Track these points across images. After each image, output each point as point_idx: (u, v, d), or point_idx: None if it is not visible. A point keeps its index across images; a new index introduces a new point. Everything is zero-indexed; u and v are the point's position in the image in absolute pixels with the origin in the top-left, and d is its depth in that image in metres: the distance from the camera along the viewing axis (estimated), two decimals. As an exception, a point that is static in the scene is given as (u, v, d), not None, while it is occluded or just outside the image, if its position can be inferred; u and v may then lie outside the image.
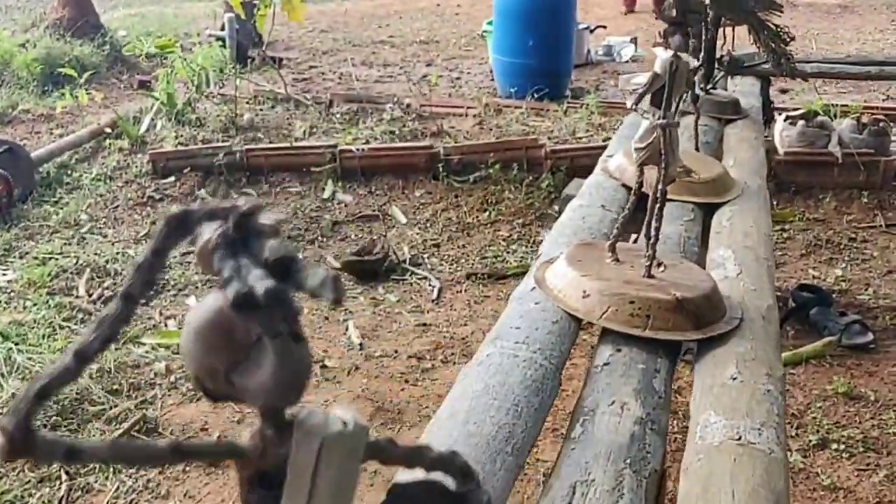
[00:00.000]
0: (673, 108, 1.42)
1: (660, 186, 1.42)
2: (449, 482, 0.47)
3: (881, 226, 4.13)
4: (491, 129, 5.17)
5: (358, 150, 4.73)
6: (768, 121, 3.87)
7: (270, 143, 5.03)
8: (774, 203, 3.85)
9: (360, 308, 3.54)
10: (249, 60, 6.54)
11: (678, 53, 1.43)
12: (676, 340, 1.35)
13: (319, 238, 4.18)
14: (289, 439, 0.38)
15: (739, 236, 1.81)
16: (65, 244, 4.08)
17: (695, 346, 1.41)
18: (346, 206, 4.48)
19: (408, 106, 5.49)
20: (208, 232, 0.35)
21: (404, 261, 3.90)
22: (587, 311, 1.36)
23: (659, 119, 1.41)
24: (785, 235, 4.03)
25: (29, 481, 2.59)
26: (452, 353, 3.20)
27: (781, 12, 2.55)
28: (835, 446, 2.69)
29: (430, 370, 3.12)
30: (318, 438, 0.38)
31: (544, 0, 5.68)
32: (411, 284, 3.74)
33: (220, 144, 4.90)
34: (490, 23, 6.17)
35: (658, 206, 1.42)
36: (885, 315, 3.40)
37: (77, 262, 3.86)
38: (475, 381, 1.14)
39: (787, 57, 2.72)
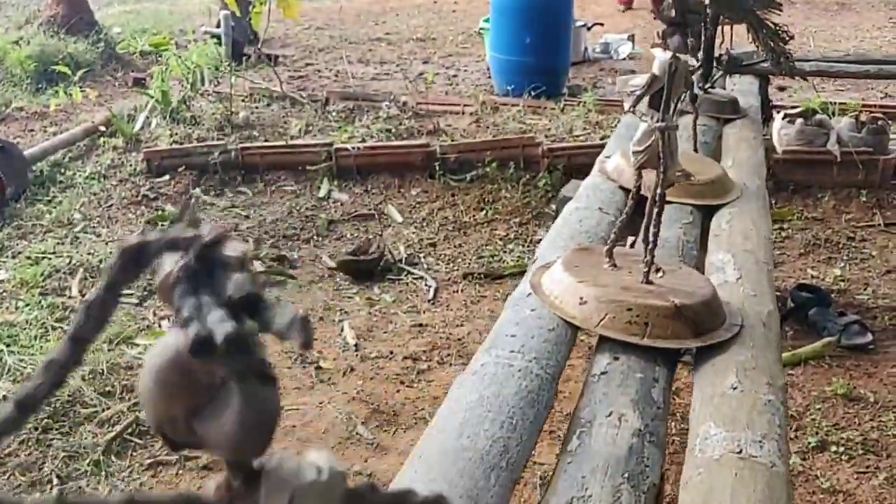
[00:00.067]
0: (671, 111, 1.39)
1: (658, 191, 1.39)
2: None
3: (880, 225, 4.11)
4: (488, 128, 5.14)
5: (354, 148, 4.70)
6: (767, 119, 3.84)
7: (266, 141, 5.00)
8: (773, 202, 3.82)
9: (356, 308, 3.52)
10: (245, 58, 6.50)
11: (677, 54, 1.41)
12: (675, 348, 1.32)
13: (315, 237, 4.15)
14: (257, 490, 0.35)
15: (739, 239, 1.78)
16: (58, 243, 4.05)
17: (693, 348, 1.38)
18: (341, 204, 4.45)
19: (404, 104, 5.45)
20: (169, 263, 0.32)
21: (400, 260, 3.87)
22: (584, 318, 1.34)
23: (657, 122, 1.38)
24: (783, 234, 4.01)
25: (20, 485, 2.56)
26: (448, 354, 3.18)
27: (780, 11, 2.53)
28: (834, 448, 2.67)
29: (425, 371, 3.09)
30: (290, 489, 0.35)
31: (541, -3, 5.65)
32: (407, 284, 3.72)
33: (215, 143, 4.86)
34: (487, 20, 6.13)
35: (657, 210, 1.40)
36: (884, 315, 3.38)
37: (70, 262, 3.83)
38: (469, 392, 1.12)
39: (786, 55, 2.69)
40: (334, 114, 5.40)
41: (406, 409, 2.89)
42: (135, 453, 2.66)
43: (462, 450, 0.99)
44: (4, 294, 3.59)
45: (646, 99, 1.42)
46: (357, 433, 2.76)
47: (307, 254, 4.00)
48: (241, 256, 0.33)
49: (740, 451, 1.03)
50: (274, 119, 5.37)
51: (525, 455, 1.04)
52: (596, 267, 1.46)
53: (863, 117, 4.44)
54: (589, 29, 6.84)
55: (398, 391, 2.97)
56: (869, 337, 3.18)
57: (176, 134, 5.08)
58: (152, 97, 5.40)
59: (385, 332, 3.34)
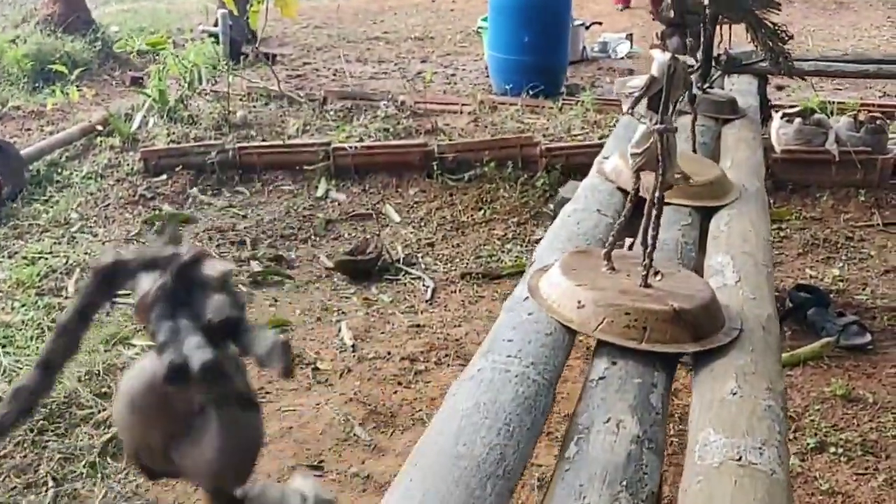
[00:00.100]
0: (670, 113, 1.37)
1: (657, 194, 1.38)
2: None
3: (878, 224, 4.10)
4: (486, 127, 5.12)
5: (351, 147, 4.68)
6: (765, 119, 3.83)
7: (263, 140, 4.99)
8: (771, 201, 3.81)
9: (353, 309, 3.50)
10: (242, 57, 6.48)
11: (676, 56, 1.39)
12: (674, 353, 1.31)
13: (312, 237, 4.14)
14: (240, 520, 0.34)
15: (738, 241, 1.77)
16: (54, 243, 4.03)
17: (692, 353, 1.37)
18: (339, 204, 4.43)
19: (402, 103, 5.44)
20: (147, 283, 0.31)
21: (398, 260, 3.86)
22: (582, 322, 1.32)
23: (656, 124, 1.37)
24: (782, 234, 4.00)
25: (15, 487, 2.55)
26: (446, 355, 3.16)
27: (779, 10, 2.52)
28: (833, 450, 2.66)
29: (423, 372, 3.08)
30: (274, 518, 0.34)
31: (540, -4, 5.63)
32: (405, 284, 3.70)
33: (212, 142, 4.85)
34: (485, 19, 6.12)
35: (655, 214, 1.38)
36: (882, 315, 3.37)
37: (67, 262, 3.81)
38: (466, 398, 1.10)
39: (785, 55, 2.68)
40: (332, 113, 5.39)
41: (403, 410, 2.87)
42: (131, 455, 2.64)
43: (458, 458, 0.98)
44: (0, 294, 3.57)
45: (644, 101, 1.41)
46: (354, 434, 2.75)
47: (305, 254, 3.98)
48: (221, 276, 0.31)
49: (740, 459, 1.02)
50: (271, 118, 5.36)
51: (522, 463, 1.03)
52: (594, 270, 1.45)
53: (861, 116, 4.43)
54: (587, 28, 6.83)
55: (395, 392, 2.96)
56: (868, 337, 3.17)
57: (173, 133, 5.07)
58: (149, 96, 5.38)
59: (383, 333, 3.33)
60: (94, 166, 4.80)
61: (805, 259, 3.84)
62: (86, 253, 3.90)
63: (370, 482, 2.59)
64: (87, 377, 2.96)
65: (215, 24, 6.71)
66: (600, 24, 7.19)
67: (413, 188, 4.53)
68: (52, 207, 4.38)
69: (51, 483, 2.54)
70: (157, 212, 4.35)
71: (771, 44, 2.58)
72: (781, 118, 4.31)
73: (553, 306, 1.37)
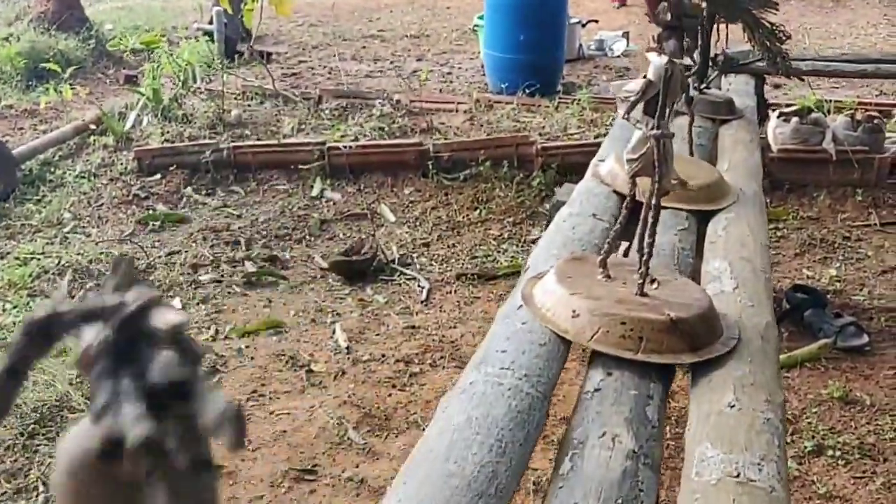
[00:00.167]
0: (667, 117, 1.35)
1: (653, 201, 1.35)
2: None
3: (876, 224, 4.08)
4: (482, 126, 5.09)
5: (346, 147, 4.65)
6: (763, 119, 3.80)
7: (258, 139, 4.96)
8: (768, 201, 3.78)
9: (348, 310, 3.47)
10: (237, 55, 6.45)
11: (673, 59, 1.36)
12: (670, 364, 1.28)
13: (307, 237, 4.11)
14: None
15: (735, 246, 1.74)
16: (47, 244, 4.00)
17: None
18: (334, 204, 4.41)
19: (397, 102, 5.41)
20: (91, 334, 0.28)
21: (393, 261, 3.83)
22: (577, 332, 1.30)
23: (652, 129, 1.34)
24: (778, 234, 3.98)
25: (5, 492, 2.52)
26: (441, 357, 3.14)
27: (777, 10, 2.49)
28: (830, 453, 2.64)
29: (418, 374, 3.05)
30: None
31: (536, -6, 5.60)
32: (400, 285, 3.68)
33: (207, 141, 4.82)
34: (481, 17, 6.09)
35: (651, 221, 1.35)
36: (880, 316, 3.35)
37: (59, 263, 3.78)
38: (457, 413, 1.08)
39: (783, 55, 2.65)
40: (327, 112, 5.36)
41: (398, 413, 2.85)
42: (122, 460, 2.62)
43: (449, 476, 0.95)
44: (-8, 296, 3.54)
45: (640, 105, 1.38)
46: (348, 438, 2.72)
47: (299, 254, 3.96)
48: (171, 329, 0.29)
49: (738, 475, 1.00)
50: (266, 117, 5.32)
51: (515, 480, 1.00)
52: (589, 277, 1.42)
53: (858, 115, 4.41)
54: (583, 26, 6.80)
55: (390, 395, 2.94)
56: (865, 339, 3.15)
57: (167, 132, 5.03)
58: (143, 95, 5.34)
59: (377, 335, 3.30)
60: (87, 165, 4.77)
61: (802, 259, 3.82)
62: (79, 253, 3.86)
63: (364, 486, 2.56)
64: (78, 380, 2.92)
65: (210, 22, 6.67)
66: (596, 21, 7.17)
67: (408, 188, 4.51)
68: (44, 207, 4.35)
69: (41, 488, 2.51)
70: (150, 211, 4.31)
71: (769, 43, 2.55)
72: (778, 117, 4.29)
73: (548, 315, 1.34)
